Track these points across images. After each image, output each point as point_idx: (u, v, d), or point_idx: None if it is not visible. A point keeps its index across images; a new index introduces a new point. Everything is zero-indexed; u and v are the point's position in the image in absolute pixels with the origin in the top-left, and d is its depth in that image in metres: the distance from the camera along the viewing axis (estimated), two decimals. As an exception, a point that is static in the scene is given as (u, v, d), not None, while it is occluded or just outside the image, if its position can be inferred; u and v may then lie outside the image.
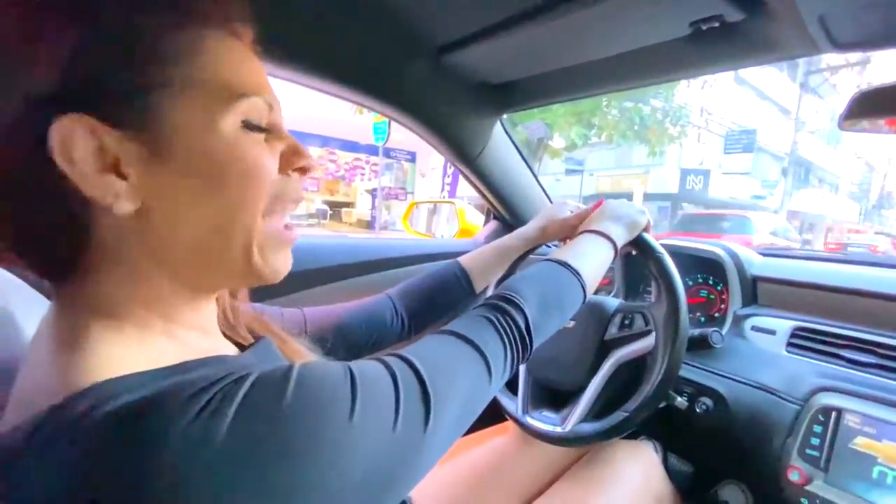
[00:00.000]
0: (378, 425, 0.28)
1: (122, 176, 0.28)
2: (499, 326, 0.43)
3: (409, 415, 0.30)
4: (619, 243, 0.64)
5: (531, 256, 0.80)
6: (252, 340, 0.42)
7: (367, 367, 0.31)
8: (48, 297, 0.51)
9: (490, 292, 0.85)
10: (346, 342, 0.58)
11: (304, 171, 0.36)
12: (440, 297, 0.70)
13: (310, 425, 0.25)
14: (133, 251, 0.30)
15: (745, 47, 0.66)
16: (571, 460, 0.80)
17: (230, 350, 0.38)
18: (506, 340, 0.43)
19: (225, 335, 0.40)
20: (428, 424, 0.31)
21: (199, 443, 0.22)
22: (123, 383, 0.25)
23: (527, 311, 0.46)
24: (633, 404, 0.67)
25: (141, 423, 0.23)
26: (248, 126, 0.31)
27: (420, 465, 0.31)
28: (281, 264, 0.35)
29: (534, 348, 0.47)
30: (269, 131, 0.33)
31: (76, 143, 0.26)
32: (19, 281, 0.49)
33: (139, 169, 0.28)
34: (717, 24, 0.60)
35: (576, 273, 0.54)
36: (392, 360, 0.33)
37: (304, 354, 0.44)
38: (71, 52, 0.26)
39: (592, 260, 0.59)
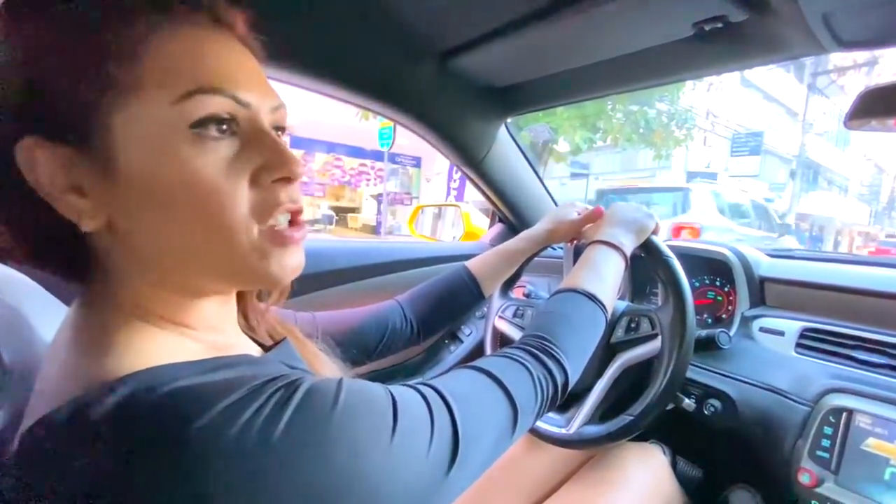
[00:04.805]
0: (411, 455, 0.29)
1: (84, 194, 0.27)
2: (536, 382, 0.42)
3: (438, 453, 0.30)
4: (629, 251, 0.64)
5: (537, 259, 0.80)
6: (271, 341, 0.42)
7: (406, 395, 0.31)
8: (62, 299, 0.52)
9: (497, 295, 0.85)
10: (357, 346, 0.59)
11: (286, 181, 0.31)
12: (450, 302, 0.70)
13: (355, 442, 0.26)
14: (121, 261, 0.30)
15: (749, 47, 0.66)
16: (580, 463, 0.79)
17: (253, 349, 0.39)
18: (540, 397, 0.42)
19: (246, 333, 0.40)
20: (451, 468, 0.31)
21: (256, 442, 0.23)
22: (165, 371, 0.25)
23: (567, 368, 0.46)
24: (637, 408, 0.67)
25: (197, 409, 0.23)
26: (202, 127, 0.27)
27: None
28: (288, 263, 0.32)
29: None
30: (236, 134, 0.29)
31: (37, 165, 0.26)
32: (34, 283, 0.50)
33: (95, 186, 0.27)
34: (720, 25, 0.60)
35: (602, 307, 0.55)
36: (429, 394, 0.33)
37: (321, 358, 0.44)
38: (14, 73, 0.25)
39: (609, 279, 0.59)
